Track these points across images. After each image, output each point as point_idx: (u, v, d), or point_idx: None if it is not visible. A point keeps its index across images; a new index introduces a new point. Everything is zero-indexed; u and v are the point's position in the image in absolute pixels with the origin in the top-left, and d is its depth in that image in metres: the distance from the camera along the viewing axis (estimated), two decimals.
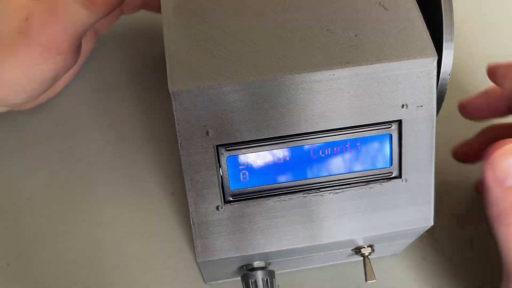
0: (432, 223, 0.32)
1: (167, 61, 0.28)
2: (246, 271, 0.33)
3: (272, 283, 0.33)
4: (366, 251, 0.34)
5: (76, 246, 0.39)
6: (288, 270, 0.38)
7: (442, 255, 0.39)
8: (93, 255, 0.39)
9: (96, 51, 0.44)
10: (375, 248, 0.35)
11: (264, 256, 0.32)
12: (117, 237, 0.39)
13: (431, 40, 0.29)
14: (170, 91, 0.27)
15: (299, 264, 0.37)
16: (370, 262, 0.34)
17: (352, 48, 0.29)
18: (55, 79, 0.37)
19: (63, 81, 0.42)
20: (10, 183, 0.41)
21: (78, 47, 0.37)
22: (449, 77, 0.31)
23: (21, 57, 0.34)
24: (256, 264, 0.33)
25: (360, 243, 0.33)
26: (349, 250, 0.35)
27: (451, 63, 0.31)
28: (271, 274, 0.33)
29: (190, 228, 0.31)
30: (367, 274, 0.34)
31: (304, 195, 0.30)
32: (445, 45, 0.30)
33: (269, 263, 0.34)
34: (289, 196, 0.30)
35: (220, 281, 0.38)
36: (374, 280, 0.34)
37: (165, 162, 0.42)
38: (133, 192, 0.41)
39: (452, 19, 0.30)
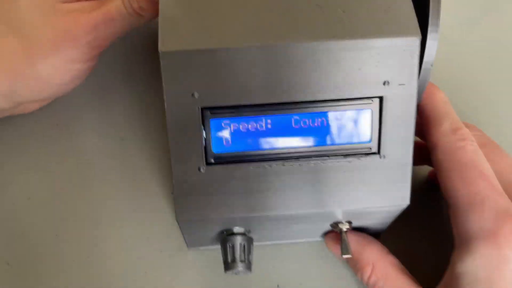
0: (408, 203, 0.32)
1: (159, 24, 0.29)
2: (226, 236, 0.34)
3: (249, 249, 0.34)
4: (343, 226, 0.35)
5: (76, 246, 0.39)
6: (271, 243, 0.39)
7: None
8: (93, 255, 0.39)
9: None
10: (355, 226, 0.36)
11: (244, 222, 0.33)
12: (117, 237, 0.40)
13: (416, 20, 0.30)
14: (160, 51, 0.29)
15: (280, 236, 0.38)
16: (347, 237, 0.35)
17: (339, 23, 0.30)
18: (85, 75, 0.38)
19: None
20: (10, 183, 0.41)
21: None
22: (431, 67, 0.32)
23: (64, 55, 0.35)
24: (236, 230, 0.34)
25: (338, 217, 0.34)
26: (327, 225, 0.36)
27: (434, 53, 0.31)
28: (249, 241, 0.34)
29: None
30: (343, 249, 0.35)
31: (284, 163, 0.31)
32: (429, 36, 0.31)
33: (249, 231, 0.35)
34: (268, 163, 0.31)
35: (202, 248, 0.39)
36: (349, 256, 0.34)
37: (165, 162, 0.42)
38: (133, 192, 0.41)
39: (439, 10, 0.31)
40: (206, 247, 0.38)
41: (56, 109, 0.43)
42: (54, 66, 0.35)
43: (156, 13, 0.36)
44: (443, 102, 0.35)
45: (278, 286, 0.39)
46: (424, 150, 0.36)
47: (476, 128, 0.38)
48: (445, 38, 0.45)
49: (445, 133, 0.33)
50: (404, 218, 0.35)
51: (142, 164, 0.42)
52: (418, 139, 0.36)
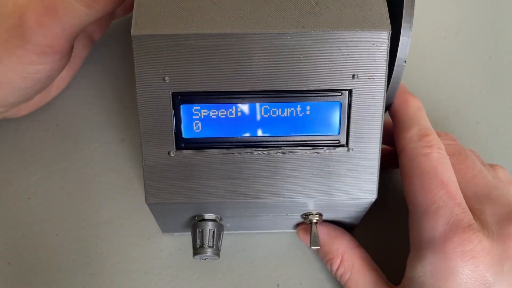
0: (375, 196, 0.32)
1: (134, 8, 0.30)
2: (197, 222, 0.35)
3: (218, 235, 0.35)
4: (313, 218, 0.35)
5: (76, 246, 0.40)
6: (245, 232, 0.39)
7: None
8: (93, 255, 0.40)
9: (96, 51, 0.45)
10: (326, 219, 0.36)
11: (214, 208, 0.34)
12: (117, 237, 0.40)
13: (388, 15, 0.30)
14: (132, 35, 0.29)
15: (252, 226, 0.38)
16: (316, 229, 0.35)
17: (310, 14, 0.30)
18: (50, 79, 0.37)
19: (56, 87, 0.41)
20: (10, 183, 0.41)
21: (72, 47, 0.36)
22: (404, 64, 0.32)
23: (17, 56, 0.33)
24: (207, 216, 0.35)
25: (306, 209, 0.34)
26: (299, 216, 0.36)
27: (408, 50, 0.32)
28: (219, 227, 0.35)
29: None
30: (312, 240, 0.35)
31: (252, 151, 0.32)
32: (402, 32, 0.31)
33: (221, 219, 0.35)
34: (237, 150, 0.32)
35: (176, 234, 0.39)
36: (318, 247, 0.35)
37: None
38: (133, 192, 0.41)
39: (413, 7, 0.31)
40: (181, 233, 0.39)
41: (56, 109, 0.43)
42: (12, 69, 0.34)
43: (112, 6, 0.34)
44: (415, 108, 0.35)
45: (278, 285, 0.39)
46: (394, 155, 0.36)
47: (450, 136, 0.37)
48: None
49: (411, 139, 0.33)
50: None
51: (142, 165, 0.42)
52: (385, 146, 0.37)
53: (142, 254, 0.40)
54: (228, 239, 0.40)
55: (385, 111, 0.36)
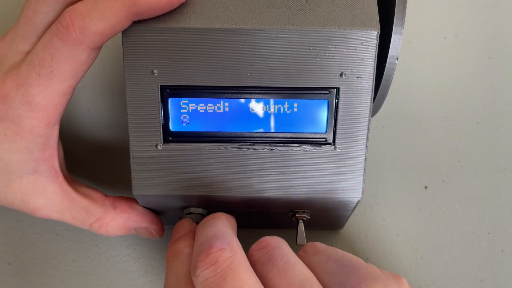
0: (361, 196, 0.32)
1: None
2: (184, 215, 0.35)
3: None
4: (300, 215, 0.35)
5: (76, 246, 0.40)
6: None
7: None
8: (93, 255, 0.40)
9: None
10: (316, 219, 0.36)
11: (200, 202, 0.34)
12: (117, 237, 0.40)
13: (377, 14, 0.30)
14: None
15: (239, 221, 0.38)
16: (302, 226, 0.35)
17: (300, 12, 0.30)
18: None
19: None
20: None
21: None
22: (396, 62, 0.32)
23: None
24: (193, 210, 0.35)
25: (292, 206, 0.34)
26: (285, 213, 0.36)
27: (399, 48, 0.31)
28: None
29: None
30: (298, 237, 0.35)
31: (239, 146, 0.32)
32: (394, 30, 0.31)
33: (208, 213, 0.36)
34: (224, 145, 0.32)
35: (166, 227, 0.40)
36: (304, 244, 0.35)
37: None
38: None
39: (405, 5, 0.31)
40: (170, 226, 0.39)
41: None
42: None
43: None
44: None
45: None
46: None
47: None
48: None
49: None
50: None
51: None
52: None
53: (142, 254, 0.40)
54: None
55: (375, 113, 0.36)
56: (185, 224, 0.33)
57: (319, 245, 0.31)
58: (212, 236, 0.29)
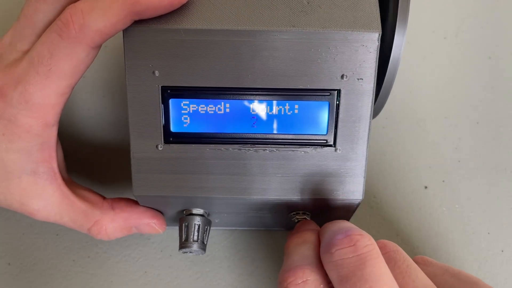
0: (361, 197, 0.32)
1: None
2: (184, 216, 0.35)
3: (204, 230, 0.35)
4: (300, 217, 0.35)
5: (76, 246, 0.40)
6: (234, 228, 0.40)
7: None
8: (93, 255, 0.40)
9: None
10: (317, 220, 0.36)
11: (201, 203, 0.34)
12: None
13: (379, 16, 0.30)
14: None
15: (241, 223, 0.38)
16: None
17: (301, 13, 0.30)
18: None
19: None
20: None
21: None
22: (398, 64, 0.32)
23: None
24: (194, 211, 0.35)
25: (293, 207, 0.34)
26: (286, 214, 0.36)
27: (402, 49, 0.31)
28: (204, 222, 0.35)
29: None
30: None
31: (240, 148, 0.32)
32: (397, 31, 0.31)
33: (209, 214, 0.36)
34: (225, 146, 0.32)
35: (167, 227, 0.39)
36: None
37: None
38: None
39: (408, 6, 0.31)
40: (171, 226, 0.39)
41: None
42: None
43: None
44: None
45: None
46: None
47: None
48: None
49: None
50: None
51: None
52: None
53: (142, 254, 0.40)
54: (228, 239, 0.40)
55: (377, 115, 0.36)
56: (311, 223, 0.33)
57: (429, 258, 0.32)
58: (347, 226, 0.29)
